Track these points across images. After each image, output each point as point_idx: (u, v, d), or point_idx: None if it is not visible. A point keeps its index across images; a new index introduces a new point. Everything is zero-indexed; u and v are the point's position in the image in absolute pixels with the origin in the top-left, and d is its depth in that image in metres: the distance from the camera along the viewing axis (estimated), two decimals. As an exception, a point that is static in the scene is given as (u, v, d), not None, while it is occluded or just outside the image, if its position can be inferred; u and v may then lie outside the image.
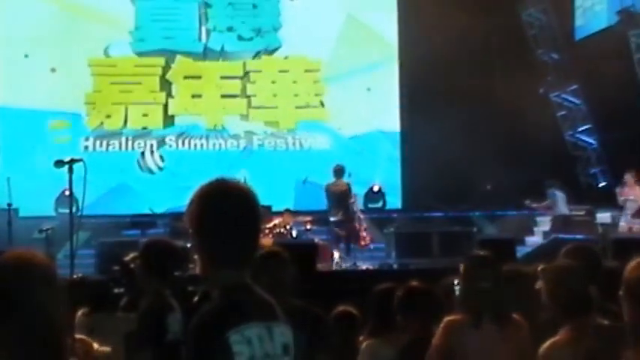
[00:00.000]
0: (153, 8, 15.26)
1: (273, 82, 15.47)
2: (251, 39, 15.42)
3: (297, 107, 15.52)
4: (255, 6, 15.43)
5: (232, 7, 15.37)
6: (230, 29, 15.35)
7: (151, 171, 14.88)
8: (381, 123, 16.83)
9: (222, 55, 15.43)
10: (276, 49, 15.53)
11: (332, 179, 13.66)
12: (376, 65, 16.58)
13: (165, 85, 15.23)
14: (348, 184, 13.69)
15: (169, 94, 15.25)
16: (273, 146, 15.49)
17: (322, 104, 15.87)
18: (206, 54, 15.39)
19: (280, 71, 15.54)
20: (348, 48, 16.19)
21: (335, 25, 16.04)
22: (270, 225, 13.25)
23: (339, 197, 13.57)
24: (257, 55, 15.43)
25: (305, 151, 15.72)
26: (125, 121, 15.08)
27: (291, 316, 2.75)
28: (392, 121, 16.92)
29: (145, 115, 15.16)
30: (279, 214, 13.85)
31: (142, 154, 14.95)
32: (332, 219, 13.75)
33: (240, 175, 12.59)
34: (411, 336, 4.66)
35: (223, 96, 15.46)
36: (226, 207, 2.50)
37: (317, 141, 15.75)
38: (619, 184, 14.24)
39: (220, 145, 15.35)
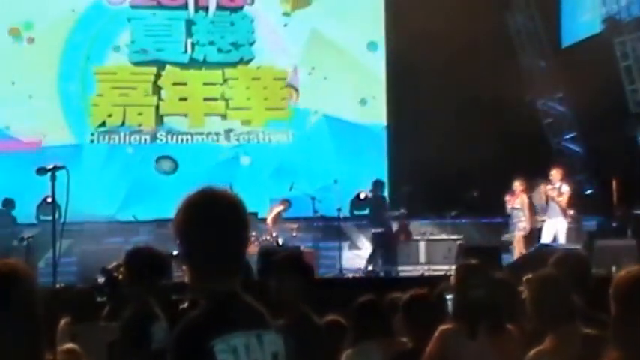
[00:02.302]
0: (146, 26, 17.40)
1: (247, 88, 17.64)
2: (229, 51, 17.57)
3: (266, 109, 17.71)
4: (232, 24, 17.59)
5: (213, 24, 17.55)
6: (211, 43, 17.54)
7: (166, 173, 16.99)
8: (366, 125, 17.50)
9: (204, 64, 17.55)
10: (250, 60, 17.66)
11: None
12: (362, 69, 17.66)
13: (157, 89, 17.35)
14: (382, 197, 14.82)
15: (160, 98, 17.37)
16: (247, 140, 17.50)
17: (296, 90, 17.62)
18: (191, 64, 17.53)
19: (253, 79, 17.71)
20: (332, 51, 17.49)
21: (316, 28, 17.62)
22: (274, 214, 14.14)
23: (376, 208, 14.65)
24: (234, 64, 17.61)
25: (273, 146, 17.53)
26: (123, 120, 17.10)
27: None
28: (378, 124, 17.54)
29: (139, 114, 17.26)
30: (278, 202, 14.51)
31: (158, 159, 17.02)
32: (372, 231, 14.59)
33: (226, 184, 12.60)
34: (411, 343, 4.63)
35: (205, 99, 17.60)
36: (214, 216, 2.47)
37: (282, 137, 17.65)
38: (508, 192, 14.29)
39: (202, 139, 17.41)
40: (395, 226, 14.84)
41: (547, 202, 13.76)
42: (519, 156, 15.52)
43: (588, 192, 16.74)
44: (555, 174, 13.70)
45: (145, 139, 17.09)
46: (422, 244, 14.76)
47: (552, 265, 4.54)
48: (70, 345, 4.95)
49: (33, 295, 2.29)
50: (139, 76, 17.33)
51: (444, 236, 14.81)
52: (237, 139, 17.34)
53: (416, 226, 15.50)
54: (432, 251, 14.59)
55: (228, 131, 17.29)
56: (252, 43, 17.60)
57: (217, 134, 17.37)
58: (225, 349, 2.32)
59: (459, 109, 15.83)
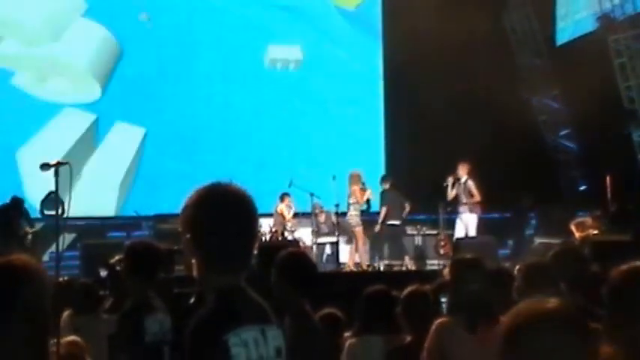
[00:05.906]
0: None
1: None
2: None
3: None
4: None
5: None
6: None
7: None
8: (363, 127, 17.45)
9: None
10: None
11: None
12: (358, 69, 17.62)
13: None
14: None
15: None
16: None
17: None
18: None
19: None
20: (330, 47, 17.46)
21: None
22: (292, 211, 14.35)
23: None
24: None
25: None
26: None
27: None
28: (375, 125, 17.57)
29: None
30: (280, 197, 14.46)
31: None
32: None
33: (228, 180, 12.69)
34: (410, 338, 4.64)
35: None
36: (223, 211, 2.46)
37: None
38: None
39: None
40: None
41: (456, 199, 13.71)
42: (514, 152, 15.61)
43: (582, 188, 16.83)
44: (461, 169, 13.66)
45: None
46: (418, 239, 14.85)
47: (550, 259, 4.54)
48: (72, 337, 5.00)
49: (44, 293, 2.28)
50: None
51: (439, 231, 14.87)
52: None
53: (413, 222, 15.58)
54: (427, 246, 14.68)
55: None
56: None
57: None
58: (238, 343, 2.33)
59: (454, 106, 15.87)
